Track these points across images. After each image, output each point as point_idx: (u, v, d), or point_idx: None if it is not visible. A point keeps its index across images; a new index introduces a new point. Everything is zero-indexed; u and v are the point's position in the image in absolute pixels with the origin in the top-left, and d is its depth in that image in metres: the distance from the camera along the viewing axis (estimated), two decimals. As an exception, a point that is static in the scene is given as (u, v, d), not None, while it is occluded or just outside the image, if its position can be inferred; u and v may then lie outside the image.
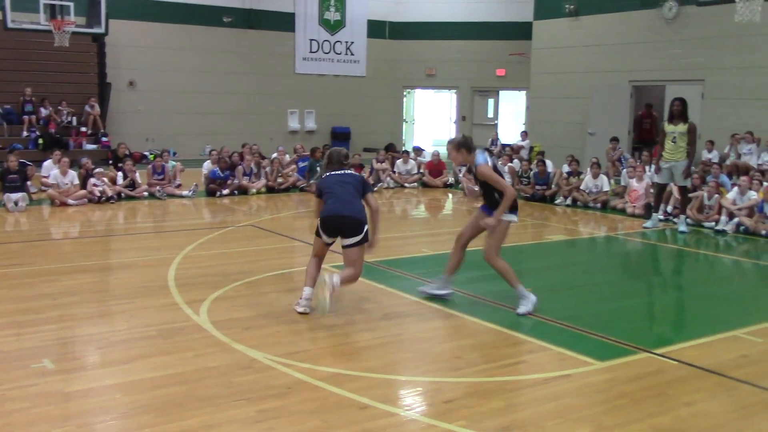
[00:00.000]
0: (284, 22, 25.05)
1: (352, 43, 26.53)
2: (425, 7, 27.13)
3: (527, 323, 6.73)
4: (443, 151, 20.77)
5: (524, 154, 20.25)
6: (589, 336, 6.36)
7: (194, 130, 23.30)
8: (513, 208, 6.96)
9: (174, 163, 15.91)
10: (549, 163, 16.25)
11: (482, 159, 6.88)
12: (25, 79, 20.18)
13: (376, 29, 26.92)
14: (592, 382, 5.33)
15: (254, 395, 4.91)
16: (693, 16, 18.30)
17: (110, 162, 16.66)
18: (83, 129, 20.51)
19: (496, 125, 27.31)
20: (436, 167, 18.09)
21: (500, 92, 27.75)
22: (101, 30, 20.67)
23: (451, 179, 17.83)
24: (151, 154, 19.77)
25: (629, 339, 6.23)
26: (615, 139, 18.50)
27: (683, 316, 7.74)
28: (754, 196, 12.02)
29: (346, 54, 26.48)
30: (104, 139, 20.53)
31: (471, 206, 14.90)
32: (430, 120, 31.35)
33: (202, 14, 23.47)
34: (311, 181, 16.28)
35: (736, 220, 11.88)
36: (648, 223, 12.27)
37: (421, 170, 18.04)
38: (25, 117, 19.88)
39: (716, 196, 12.42)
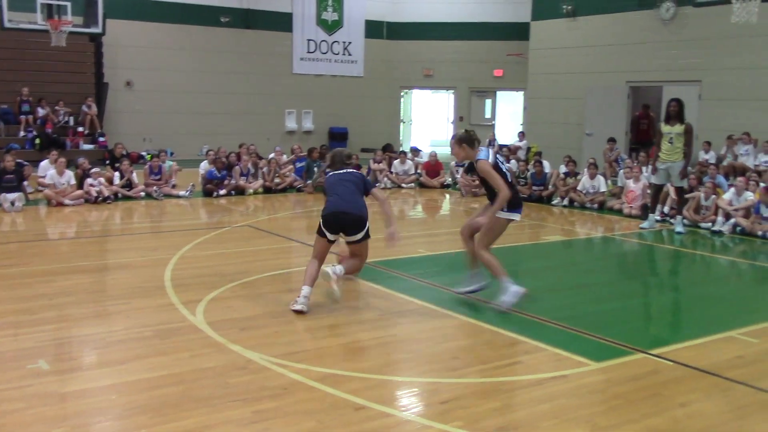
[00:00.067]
0: (282, 22, 25.05)
1: (350, 43, 26.53)
2: (423, 7, 27.14)
3: (523, 324, 6.73)
4: (440, 151, 20.82)
5: (521, 154, 20.24)
6: (586, 336, 6.36)
7: (192, 130, 23.29)
8: (516, 206, 7.02)
9: (171, 162, 15.90)
10: (546, 164, 16.26)
11: (484, 155, 6.93)
12: (22, 78, 20.17)
13: (374, 29, 26.92)
14: (588, 382, 5.34)
15: (250, 396, 4.90)
16: (690, 17, 18.33)
17: (107, 162, 16.64)
18: (80, 129, 20.50)
19: (493, 126, 27.31)
20: (433, 168, 18.09)
21: (498, 93, 27.76)
22: (98, 30, 20.68)
23: (448, 180, 17.84)
24: (149, 154, 19.76)
25: (625, 339, 6.24)
26: (612, 140, 18.52)
27: (679, 316, 7.75)
28: (750, 196, 12.03)
29: (344, 54, 26.48)
30: (101, 139, 20.53)
31: (468, 207, 14.92)
32: (427, 120, 31.38)
33: (199, 14, 23.46)
34: (308, 182, 16.30)
35: (732, 220, 11.90)
36: (645, 224, 12.28)
37: (419, 171, 18.05)
38: (22, 117, 19.88)
39: (713, 196, 12.43)
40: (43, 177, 14.04)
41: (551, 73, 21.74)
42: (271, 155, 17.11)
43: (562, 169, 15.77)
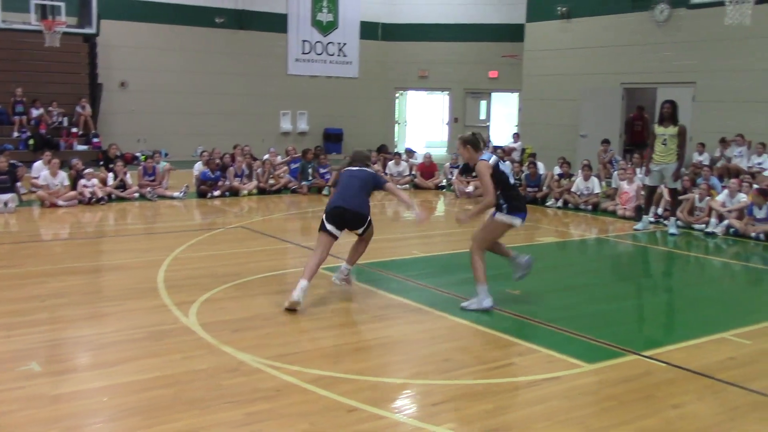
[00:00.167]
0: (276, 23, 25.05)
1: (345, 44, 26.54)
2: (418, 8, 27.16)
3: (516, 326, 6.74)
4: (435, 152, 20.85)
5: (516, 156, 20.28)
6: (578, 338, 6.37)
7: (186, 131, 23.26)
8: (518, 211, 7.05)
9: (164, 163, 15.87)
10: (540, 165, 16.27)
11: (485, 156, 7.03)
12: (16, 79, 20.13)
13: (369, 30, 26.93)
14: (581, 384, 5.34)
15: (242, 398, 4.90)
16: (684, 18, 18.38)
17: (101, 163, 16.61)
18: (74, 130, 20.46)
19: (488, 127, 27.34)
20: (428, 169, 18.09)
21: (492, 94, 27.80)
22: (92, 30, 20.67)
23: (443, 181, 17.84)
24: (143, 155, 19.73)
25: (618, 341, 6.24)
26: (606, 142, 18.54)
27: (672, 318, 7.76)
28: (743, 198, 12.07)
29: (339, 55, 26.49)
30: (95, 140, 20.48)
31: (462, 208, 14.92)
32: (422, 122, 31.40)
33: (194, 15, 23.45)
34: (303, 183, 16.29)
35: (725, 222, 11.92)
36: (638, 225, 12.30)
37: (413, 172, 18.05)
38: (16, 117, 19.83)
39: (707, 198, 12.46)
40: (37, 178, 14.00)
41: (546, 74, 21.77)
42: (266, 156, 17.10)
43: (557, 170, 15.79)
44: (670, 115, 11.57)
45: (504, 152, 19.50)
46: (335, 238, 7.31)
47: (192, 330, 6.32)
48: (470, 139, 7.12)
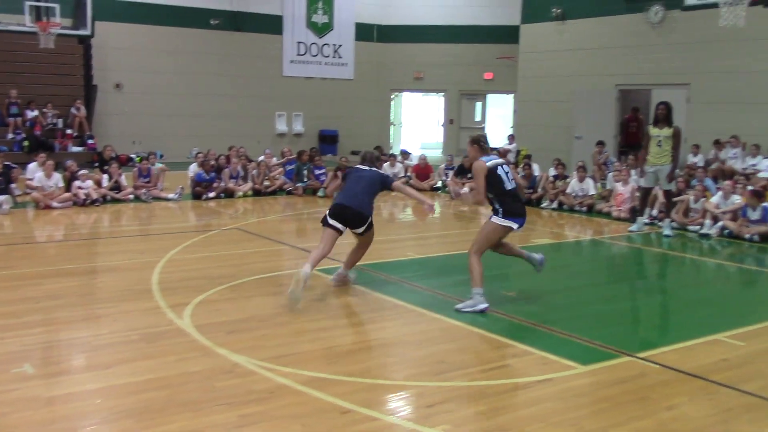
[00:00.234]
0: (272, 24, 25.05)
1: (340, 46, 26.55)
2: (413, 10, 27.19)
3: (511, 327, 6.75)
4: (430, 154, 20.84)
5: (511, 157, 20.28)
6: (573, 340, 6.37)
7: (181, 132, 23.25)
8: (512, 215, 7.12)
9: (159, 164, 15.85)
10: (536, 167, 16.30)
11: (485, 157, 7.18)
12: (11, 81, 20.09)
13: (364, 32, 26.95)
14: (575, 386, 5.34)
15: (236, 400, 4.89)
16: (678, 20, 18.42)
17: (96, 164, 16.58)
18: (69, 131, 20.43)
19: (483, 128, 27.36)
20: (423, 170, 18.10)
21: (488, 96, 27.84)
22: (87, 32, 20.67)
23: (438, 182, 17.85)
24: (138, 156, 19.71)
25: (612, 343, 6.25)
26: (601, 143, 18.58)
27: (666, 319, 7.77)
28: (737, 199, 12.09)
29: (334, 57, 26.50)
30: (90, 141, 20.46)
31: (457, 210, 14.93)
32: (417, 123, 31.41)
33: (189, 16, 23.44)
34: (298, 185, 16.28)
35: (720, 223, 11.95)
36: (633, 227, 12.31)
37: (408, 173, 18.05)
38: (11, 119, 19.81)
39: (702, 199, 12.49)
40: (31, 179, 13.98)
41: (541, 76, 21.81)
42: (261, 158, 17.08)
43: (552, 172, 15.80)
44: (664, 117, 11.59)
45: (499, 154, 19.48)
46: (339, 232, 7.54)
47: (186, 332, 6.31)
48: (476, 139, 7.36)
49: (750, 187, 12.42)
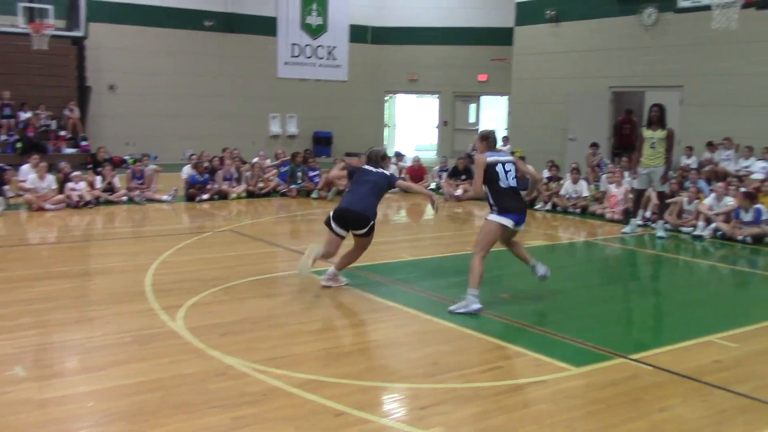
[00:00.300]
0: (266, 26, 25.04)
1: (334, 47, 26.56)
2: (407, 12, 27.22)
3: (504, 329, 6.75)
4: (424, 156, 20.82)
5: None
6: (566, 341, 6.38)
7: (175, 134, 23.23)
8: (506, 212, 7.18)
9: (153, 165, 15.82)
10: (530, 168, 16.26)
11: (488, 153, 7.32)
12: (4, 82, 20.02)
13: (359, 34, 26.96)
14: (568, 387, 5.35)
15: (229, 402, 4.88)
16: (672, 23, 18.46)
17: (89, 166, 16.55)
18: (62, 133, 20.37)
19: (477, 130, 27.37)
20: (417, 172, 18.10)
21: (482, 97, 27.88)
22: (81, 33, 20.62)
23: (432, 184, 17.85)
24: (131, 158, 19.67)
25: (606, 344, 6.26)
26: (595, 145, 18.60)
27: (659, 321, 7.78)
28: (730, 201, 12.12)
29: (328, 58, 26.51)
30: (84, 143, 20.40)
31: (451, 212, 14.94)
32: (412, 125, 31.44)
33: (183, 18, 23.42)
34: (292, 186, 16.27)
35: (713, 225, 11.98)
36: (627, 229, 12.34)
37: (402, 175, 18.04)
38: (4, 121, 19.75)
39: (695, 201, 12.52)
40: (24, 181, 13.94)
41: (535, 78, 21.83)
42: (255, 159, 17.07)
43: (546, 173, 15.82)
44: (658, 119, 11.62)
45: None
46: (341, 237, 7.71)
47: (179, 334, 6.30)
48: (485, 135, 7.53)
49: (743, 189, 12.46)
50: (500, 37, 24.69)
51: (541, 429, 4.63)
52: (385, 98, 28.60)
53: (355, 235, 7.76)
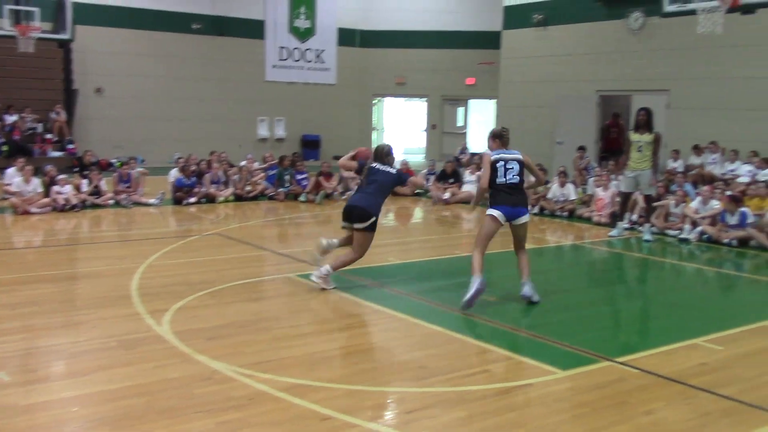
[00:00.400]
0: (254, 29, 25.01)
1: (323, 51, 26.55)
2: (395, 15, 27.25)
3: (492, 333, 6.76)
4: (412, 159, 20.80)
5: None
6: (553, 345, 6.39)
7: (163, 137, 23.15)
8: (497, 204, 7.52)
9: (140, 168, 15.76)
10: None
11: (495, 150, 7.69)
12: (-11, 85, 19.91)
13: (347, 37, 26.97)
14: (554, 391, 5.35)
15: (214, 407, 4.86)
16: (658, 27, 18.57)
17: (76, 169, 16.46)
18: (48, 136, 20.26)
19: (465, 134, 27.45)
20: (405, 175, 18.06)
21: (470, 101, 27.93)
22: (67, 36, 20.52)
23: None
24: (118, 161, 19.58)
25: (592, 347, 6.28)
26: (582, 148, 18.68)
27: (645, 324, 7.81)
28: (716, 205, 12.18)
29: (316, 62, 26.50)
30: (70, 146, 20.30)
31: (439, 215, 14.95)
32: (400, 128, 31.47)
33: (170, 20, 23.36)
34: (280, 190, 16.24)
35: (699, 228, 12.03)
36: (613, 232, 12.38)
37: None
38: (-11, 124, 19.62)
39: (682, 204, 12.58)
40: (9, 185, 13.84)
41: (522, 81, 21.90)
42: (243, 163, 17.03)
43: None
44: (645, 123, 11.67)
45: (481, 159, 19.52)
46: (351, 230, 8.06)
47: (165, 338, 6.27)
48: (496, 134, 7.87)
49: (728, 193, 12.53)
50: (488, 40, 24.75)
51: (527, 432, 4.64)
52: (374, 101, 28.61)
53: (356, 230, 7.95)
